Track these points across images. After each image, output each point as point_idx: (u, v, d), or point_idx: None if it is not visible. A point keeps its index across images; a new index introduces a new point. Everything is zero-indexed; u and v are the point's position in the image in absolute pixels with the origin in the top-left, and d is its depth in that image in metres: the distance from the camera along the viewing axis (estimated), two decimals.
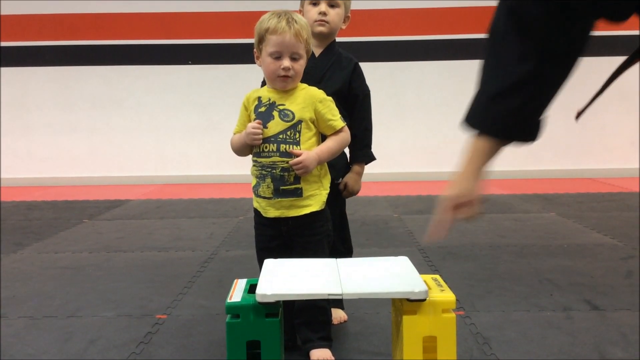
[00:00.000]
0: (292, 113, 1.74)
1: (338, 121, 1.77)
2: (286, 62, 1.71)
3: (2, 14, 6.15)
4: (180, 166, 6.20)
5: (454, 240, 3.35)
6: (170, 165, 6.20)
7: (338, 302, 2.16)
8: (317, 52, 2.07)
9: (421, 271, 2.74)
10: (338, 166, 2.04)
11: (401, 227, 3.75)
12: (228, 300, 1.21)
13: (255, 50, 1.79)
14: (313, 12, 2.03)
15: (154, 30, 6.21)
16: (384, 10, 6.18)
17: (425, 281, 1.24)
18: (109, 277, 2.76)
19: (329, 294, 1.16)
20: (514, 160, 6.15)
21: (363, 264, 1.34)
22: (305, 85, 1.81)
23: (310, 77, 2.03)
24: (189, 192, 5.49)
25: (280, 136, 1.73)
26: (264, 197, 1.76)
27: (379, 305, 2.28)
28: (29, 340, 2.01)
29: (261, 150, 1.75)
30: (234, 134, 1.85)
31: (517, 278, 2.61)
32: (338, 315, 2.13)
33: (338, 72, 2.05)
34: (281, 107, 1.75)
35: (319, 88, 1.98)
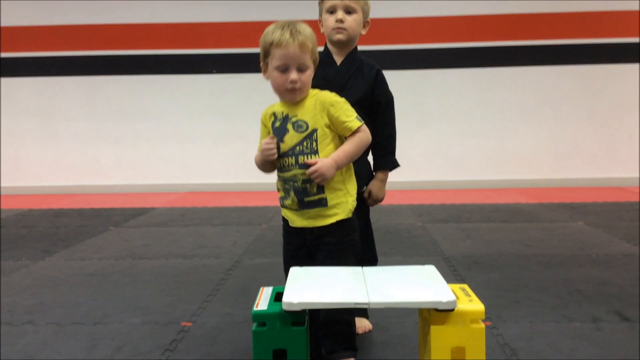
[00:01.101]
0: (306, 123, 1.72)
1: (354, 121, 1.73)
2: (293, 75, 1.69)
3: (31, 24, 6.28)
4: (204, 174, 6.24)
5: (480, 250, 3.31)
6: (195, 173, 6.25)
7: (363, 312, 2.14)
8: (339, 60, 2.07)
9: (447, 281, 2.71)
10: (362, 174, 2.03)
11: (425, 235, 3.72)
12: (254, 309, 1.21)
13: (261, 64, 1.77)
14: (330, 20, 2.02)
15: (179, 40, 6.28)
16: (407, 19, 6.17)
17: (453, 291, 1.22)
18: (135, 284, 2.78)
19: (356, 303, 1.15)
20: (540, 169, 6.10)
21: (389, 272, 1.33)
22: (316, 91, 1.78)
23: (333, 85, 2.02)
24: (213, 200, 5.53)
25: (298, 148, 1.71)
26: (291, 209, 1.77)
27: (405, 315, 2.25)
28: (56, 346, 2.04)
29: (282, 165, 1.75)
30: (258, 151, 1.82)
31: (544, 288, 2.57)
32: (363, 324, 2.12)
33: (360, 80, 2.04)
34: (294, 119, 1.73)
35: (342, 96, 1.97)
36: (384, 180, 2.10)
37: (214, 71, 6.28)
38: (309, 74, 1.73)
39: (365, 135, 1.75)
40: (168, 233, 4.01)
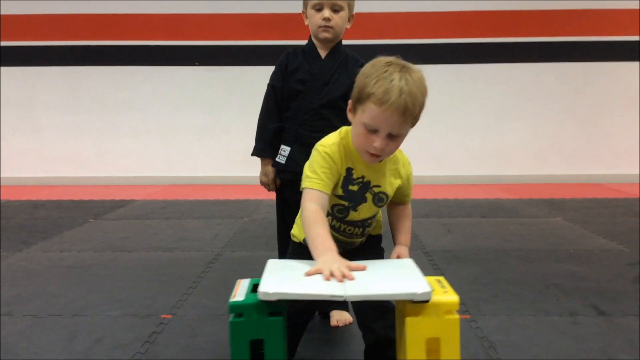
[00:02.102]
0: (387, 196, 1.51)
1: (410, 194, 1.61)
2: (381, 143, 1.38)
3: (10, 13, 6.18)
4: (186, 167, 6.20)
5: (460, 244, 3.34)
6: (176, 166, 6.21)
7: (343, 305, 2.15)
8: (323, 54, 2.08)
9: (426, 274, 2.73)
10: None
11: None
12: (231, 300, 1.21)
13: (350, 103, 1.45)
14: (317, 17, 2.02)
15: (161, 31, 6.22)
16: (390, 14, 6.18)
17: (429, 283, 1.23)
18: (115, 277, 2.76)
19: (331, 295, 1.15)
20: (521, 165, 6.15)
21: (368, 265, 1.33)
22: (396, 153, 1.52)
23: (317, 80, 2.03)
24: (194, 193, 5.50)
25: (369, 220, 1.53)
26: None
27: None
28: (34, 338, 2.02)
29: (342, 229, 1.53)
30: (313, 189, 1.41)
31: (523, 282, 2.60)
32: (343, 317, 2.13)
33: (345, 73, 2.05)
34: (377, 190, 1.49)
35: (326, 91, 1.96)
36: None
37: (196, 63, 6.24)
38: (400, 141, 1.44)
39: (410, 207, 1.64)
40: (148, 226, 3.98)
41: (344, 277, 1.21)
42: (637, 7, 6.08)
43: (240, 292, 1.25)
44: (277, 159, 2.08)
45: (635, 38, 6.13)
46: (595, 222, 3.94)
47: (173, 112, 6.23)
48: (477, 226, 3.86)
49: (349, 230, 1.52)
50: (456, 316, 1.21)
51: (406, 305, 1.20)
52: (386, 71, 1.36)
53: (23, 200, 5.09)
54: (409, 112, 1.35)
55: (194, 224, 4.01)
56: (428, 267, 2.87)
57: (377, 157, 1.42)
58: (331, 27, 2.02)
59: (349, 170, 1.46)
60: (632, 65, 6.14)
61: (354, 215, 1.50)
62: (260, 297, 1.14)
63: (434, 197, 5.13)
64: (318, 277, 1.25)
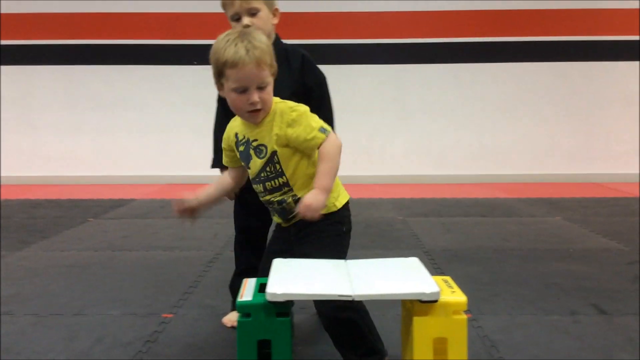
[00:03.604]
0: (265, 147, 1.60)
1: (318, 135, 1.56)
2: (254, 97, 1.53)
3: (6, 12, 6.16)
4: (184, 166, 6.17)
5: (460, 244, 3.35)
6: (175, 165, 6.19)
7: None
8: None
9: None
10: None
11: (406, 229, 3.75)
12: (239, 299, 1.21)
13: (215, 82, 1.62)
14: (238, 27, 1.95)
15: (159, 30, 6.21)
16: (388, 13, 6.18)
17: (436, 282, 1.23)
18: (115, 276, 2.76)
19: (339, 295, 1.15)
20: (519, 165, 6.16)
21: (373, 264, 1.34)
22: (277, 101, 1.62)
23: None
24: (193, 191, 5.47)
25: (262, 175, 1.62)
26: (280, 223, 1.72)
27: (386, 307, 2.27)
28: (34, 338, 2.01)
29: (259, 189, 1.67)
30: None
31: (523, 282, 2.61)
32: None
33: (288, 70, 2.01)
34: (255, 144, 1.62)
35: (275, 89, 1.97)
36: None
37: (195, 62, 6.23)
38: (270, 90, 1.57)
39: (334, 142, 1.58)
40: (148, 225, 3.98)
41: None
42: (636, 7, 6.09)
43: (247, 291, 1.25)
44: None
45: (633, 38, 6.14)
46: (594, 221, 3.95)
47: (172, 111, 6.22)
48: (477, 225, 3.87)
49: (257, 189, 1.67)
50: (464, 316, 1.21)
51: (414, 304, 1.20)
52: (227, 40, 1.54)
53: (22, 199, 5.07)
54: (263, 62, 1.52)
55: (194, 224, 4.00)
56: (428, 266, 2.85)
57: (258, 111, 1.57)
58: None
59: (236, 135, 1.68)
60: (630, 65, 6.15)
61: (251, 172, 1.66)
62: (269, 298, 1.14)
63: (433, 196, 5.14)
64: (324, 276, 1.25)
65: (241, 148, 1.66)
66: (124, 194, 5.34)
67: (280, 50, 2.05)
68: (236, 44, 1.51)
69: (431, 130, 6.25)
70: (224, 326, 2.11)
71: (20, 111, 6.27)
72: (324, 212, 1.57)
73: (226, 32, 1.59)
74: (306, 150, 1.59)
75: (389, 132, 6.19)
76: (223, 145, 1.73)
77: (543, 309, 2.26)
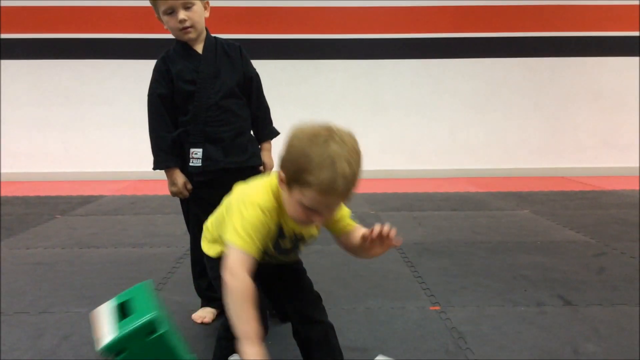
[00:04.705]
0: (314, 237, 1.52)
1: (351, 219, 1.51)
2: (323, 219, 1.34)
3: None
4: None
5: (430, 237, 3.38)
6: (145, 161, 6.08)
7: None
8: (199, 48, 2.04)
9: (398, 267, 2.75)
10: (258, 153, 2.12)
11: (378, 223, 3.75)
12: (103, 343, 1.11)
13: (283, 175, 1.30)
14: (173, 22, 1.97)
15: (129, 24, 6.12)
16: (360, 8, 6.19)
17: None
18: (82, 273, 2.71)
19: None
20: (489, 159, 6.24)
21: None
22: None
23: (206, 75, 2.01)
24: (164, 188, 5.40)
25: (297, 250, 1.54)
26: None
27: (357, 301, 2.28)
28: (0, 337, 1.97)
29: (266, 260, 1.47)
30: (249, 253, 1.30)
31: (491, 274, 2.64)
32: (204, 314, 2.14)
33: (229, 63, 2.05)
34: (309, 239, 1.50)
35: (219, 83, 1.97)
36: (270, 150, 2.16)
37: None
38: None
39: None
40: (117, 222, 3.93)
41: None
42: (603, 3, 6.20)
43: (104, 327, 1.16)
44: (191, 164, 2.02)
45: (600, 34, 6.26)
46: (561, 214, 4.02)
47: (142, 106, 6.05)
48: (447, 219, 3.90)
49: (293, 255, 1.54)
50: None
51: None
52: (326, 150, 1.24)
53: None
54: (350, 195, 1.30)
55: (164, 220, 3.97)
56: (399, 259, 2.89)
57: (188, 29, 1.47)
58: (191, 27, 1.98)
59: (279, 227, 1.40)
60: (597, 60, 6.27)
61: (287, 258, 1.52)
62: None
63: (405, 190, 5.17)
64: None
65: (284, 242, 1.44)
66: (93, 191, 5.26)
67: (218, 43, 2.07)
68: (334, 167, 1.23)
69: (404, 125, 6.29)
70: (193, 322, 2.09)
71: None
72: None
73: (325, 134, 1.27)
74: (335, 232, 1.51)
75: (362, 127, 6.16)
76: (262, 228, 1.33)
77: (511, 300, 2.29)
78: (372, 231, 1.39)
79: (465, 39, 6.26)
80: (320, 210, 1.29)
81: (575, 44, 6.28)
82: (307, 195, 1.26)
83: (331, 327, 1.54)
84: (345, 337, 1.94)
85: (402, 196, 4.89)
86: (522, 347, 1.85)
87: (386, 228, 1.38)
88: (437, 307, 2.21)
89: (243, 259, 1.29)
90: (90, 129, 6.17)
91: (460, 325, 2.03)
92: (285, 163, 1.29)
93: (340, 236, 1.50)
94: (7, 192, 5.23)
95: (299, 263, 1.60)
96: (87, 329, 2.02)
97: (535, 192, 5.02)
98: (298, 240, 1.47)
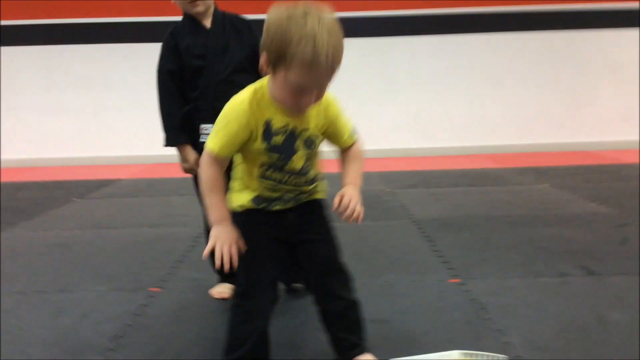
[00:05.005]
0: (316, 138, 1.42)
1: (351, 136, 1.48)
2: (311, 99, 1.31)
3: None
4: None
5: (448, 213, 3.33)
6: (160, 144, 6.11)
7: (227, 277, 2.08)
8: (207, 23, 2.00)
9: (416, 242, 2.72)
10: None
11: (394, 200, 3.73)
12: None
13: (265, 57, 1.29)
14: None
15: (140, 7, 6.09)
16: None
17: None
18: (100, 254, 2.72)
19: None
20: (507, 135, 6.16)
21: None
22: None
23: (215, 50, 1.97)
24: (180, 170, 5.42)
25: (306, 166, 1.43)
26: (276, 210, 1.46)
27: (374, 275, 2.26)
28: (19, 315, 1.97)
29: (283, 180, 1.42)
30: (213, 152, 1.37)
31: (512, 247, 2.60)
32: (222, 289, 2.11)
33: (238, 38, 2.00)
34: (306, 135, 1.39)
35: (229, 57, 1.90)
36: None
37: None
38: (327, 90, 1.35)
39: (361, 146, 1.51)
40: (134, 203, 3.93)
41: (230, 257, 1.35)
42: None
43: None
44: (202, 140, 1.97)
45: (617, 6, 6.11)
46: (582, 187, 3.95)
47: (153, 89, 6.10)
48: (465, 195, 3.86)
49: (292, 180, 1.43)
50: None
51: None
52: (305, 24, 1.21)
53: (4, 182, 5.00)
54: (336, 69, 1.28)
55: (180, 201, 3.96)
56: (417, 235, 2.85)
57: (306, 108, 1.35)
58: (200, 0, 1.94)
59: (267, 123, 1.36)
60: (615, 33, 6.13)
61: (291, 166, 1.40)
62: None
63: (421, 168, 5.12)
64: None
65: (278, 138, 1.36)
66: (109, 174, 5.27)
67: (226, 17, 2.02)
68: (315, 39, 1.21)
69: (418, 103, 6.22)
70: (211, 298, 2.08)
71: (1, 94, 6.15)
72: (322, 197, 1.54)
73: (303, 9, 1.24)
74: (337, 146, 1.49)
75: (376, 105, 6.15)
76: (234, 130, 1.36)
77: (532, 271, 2.25)
78: (335, 206, 1.40)
79: (479, 15, 6.15)
80: (308, 89, 1.27)
81: (593, 16, 6.14)
82: (292, 74, 1.24)
83: (353, 303, 1.51)
84: (364, 309, 1.90)
85: (418, 174, 4.84)
86: (546, 316, 1.81)
87: (342, 207, 1.38)
88: (457, 280, 2.18)
89: (210, 156, 1.38)
90: (104, 114, 6.18)
91: (482, 297, 1.99)
92: (265, 44, 1.27)
93: (342, 152, 1.50)
94: (24, 177, 5.26)
95: (325, 231, 1.51)
96: (107, 307, 2.02)
97: (554, 167, 4.94)
98: (292, 136, 1.37)
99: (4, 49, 6.11)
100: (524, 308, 1.89)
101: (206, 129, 1.99)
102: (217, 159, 1.38)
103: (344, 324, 1.51)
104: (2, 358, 1.65)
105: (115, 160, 6.08)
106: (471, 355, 1.27)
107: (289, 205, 1.46)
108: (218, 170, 1.39)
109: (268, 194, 1.44)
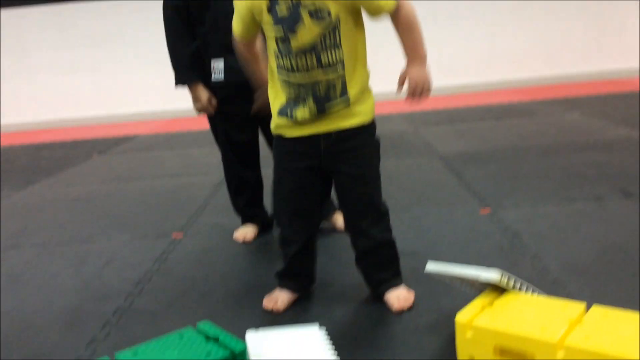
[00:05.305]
0: (327, 10, 1.26)
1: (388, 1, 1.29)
2: None
3: None
4: (186, 99, 6.04)
5: (475, 147, 3.22)
6: (177, 98, 6.04)
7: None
8: None
9: (443, 177, 2.63)
10: None
11: (418, 138, 3.62)
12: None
13: None
14: None
15: None
16: None
17: None
18: (122, 205, 2.69)
19: None
20: (532, 67, 5.94)
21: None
22: None
23: None
24: (198, 123, 5.35)
25: (319, 45, 1.28)
26: (301, 121, 1.35)
27: (402, 211, 2.19)
28: (42, 266, 1.95)
29: (293, 66, 1.31)
30: (235, 35, 1.41)
31: (544, 175, 2.49)
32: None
33: None
34: (312, 6, 1.25)
35: None
36: None
37: None
38: None
39: (410, 9, 1.32)
40: (154, 157, 3.89)
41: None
42: None
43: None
44: (214, 78, 1.88)
45: None
46: (613, 114, 3.79)
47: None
48: (492, 129, 3.73)
49: (302, 63, 1.29)
50: None
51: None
52: None
53: (25, 144, 5.00)
54: None
55: (199, 152, 3.91)
56: (443, 170, 2.76)
57: None
58: None
59: None
60: None
61: (296, 42, 1.28)
62: None
63: (444, 106, 4.98)
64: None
65: (282, 10, 1.27)
66: (128, 131, 5.24)
67: None
68: None
69: (438, 39, 5.99)
70: (234, 242, 2.03)
71: (16, 56, 6.11)
72: (366, 120, 1.37)
73: None
74: (374, 16, 1.32)
75: (393, 44, 5.95)
76: (242, 11, 1.34)
77: (567, 197, 2.15)
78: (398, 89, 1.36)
79: None
80: None
81: None
82: None
83: (385, 243, 1.43)
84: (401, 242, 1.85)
85: (441, 112, 4.70)
86: (583, 241, 1.73)
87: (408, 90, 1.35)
88: (488, 210, 2.09)
89: (235, 41, 1.44)
90: (119, 70, 6.11)
91: (514, 225, 1.91)
92: None
93: (392, 23, 1.34)
94: (44, 138, 5.25)
95: (360, 164, 1.39)
96: (130, 254, 1.99)
97: (583, 97, 4.75)
98: (297, 7, 1.25)
99: (17, 10, 6.03)
100: (560, 234, 1.80)
101: (217, 66, 1.89)
102: (240, 42, 1.43)
103: (374, 261, 1.45)
104: (26, 306, 1.63)
105: (133, 116, 6.04)
106: (509, 277, 1.19)
107: (311, 112, 1.32)
108: (246, 50, 1.44)
109: (286, 94, 1.35)
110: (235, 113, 1.92)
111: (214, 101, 1.92)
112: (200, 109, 1.95)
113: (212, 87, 1.91)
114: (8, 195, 3.06)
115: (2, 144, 5.13)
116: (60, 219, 2.52)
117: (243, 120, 1.92)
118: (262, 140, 2.02)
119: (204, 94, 1.91)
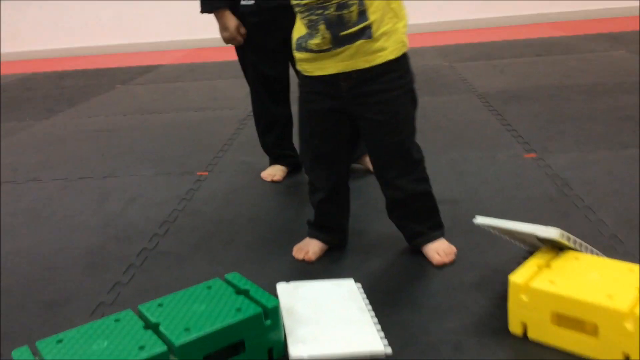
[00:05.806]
0: None
1: None
2: None
3: None
4: (211, 28, 5.84)
5: (515, 84, 3.03)
6: (201, 28, 5.84)
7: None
8: None
9: (482, 116, 2.48)
10: None
11: (454, 74, 3.43)
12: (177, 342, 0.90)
13: None
14: None
15: None
16: None
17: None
18: (146, 138, 2.60)
19: (371, 354, 0.99)
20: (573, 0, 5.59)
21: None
22: None
23: None
24: (223, 54, 5.18)
25: None
26: (319, 51, 1.20)
27: (439, 153, 2.06)
28: (64, 201, 1.89)
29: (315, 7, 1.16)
30: None
31: (592, 117, 2.33)
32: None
33: None
34: None
35: None
36: None
37: None
38: None
39: None
40: (178, 88, 3.77)
41: None
42: None
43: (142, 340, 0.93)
44: (243, 2, 1.71)
45: None
46: None
47: None
48: (532, 65, 3.51)
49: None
50: None
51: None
52: None
53: (48, 72, 4.90)
54: None
55: (225, 84, 3.77)
56: (482, 108, 2.60)
57: None
58: None
59: None
60: None
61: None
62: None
63: (480, 40, 4.72)
64: (348, 330, 1.05)
65: None
66: (152, 61, 5.10)
67: None
68: None
69: None
70: (261, 181, 1.94)
71: None
72: (392, 57, 1.21)
73: None
74: None
75: None
76: None
77: (618, 142, 2.00)
78: None
79: None
80: None
81: None
82: None
83: (418, 194, 1.31)
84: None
85: (477, 45, 4.46)
86: (639, 190, 1.59)
87: None
88: (533, 155, 1.95)
89: None
90: None
91: (563, 172, 1.77)
92: None
93: None
94: (66, 66, 5.14)
95: (386, 108, 1.24)
96: (154, 191, 1.91)
97: (629, 32, 4.45)
98: None
99: None
100: (614, 183, 1.67)
101: None
102: None
103: (406, 212, 1.34)
104: (46, 245, 1.57)
105: (157, 46, 5.87)
106: (569, 238, 1.07)
107: (325, 40, 1.18)
108: None
109: (304, 24, 1.21)
110: (265, 43, 1.78)
111: (242, 30, 1.77)
112: (227, 39, 1.80)
113: (241, 13, 1.76)
114: (31, 124, 2.99)
115: (25, 71, 5.04)
116: (82, 152, 2.44)
117: (274, 52, 1.78)
118: (292, 75, 1.89)
119: (232, 21, 1.75)
